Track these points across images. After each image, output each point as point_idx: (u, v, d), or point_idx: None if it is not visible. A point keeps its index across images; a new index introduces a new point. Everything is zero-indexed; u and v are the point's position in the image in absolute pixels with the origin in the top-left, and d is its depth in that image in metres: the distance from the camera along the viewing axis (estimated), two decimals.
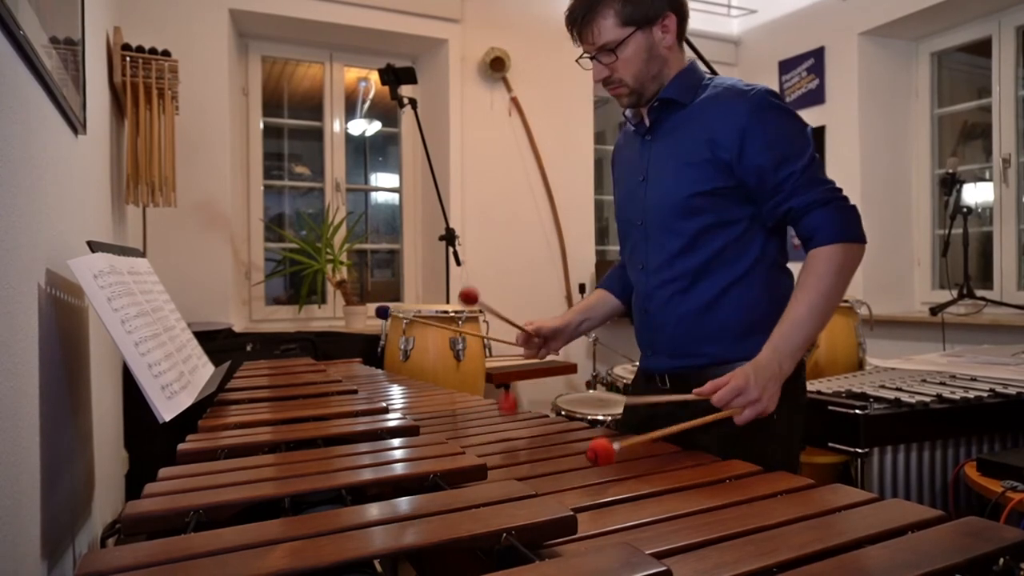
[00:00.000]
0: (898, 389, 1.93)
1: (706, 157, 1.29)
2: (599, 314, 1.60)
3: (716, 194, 1.30)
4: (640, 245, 1.42)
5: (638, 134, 1.45)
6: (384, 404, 1.34)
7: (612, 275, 1.64)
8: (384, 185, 4.22)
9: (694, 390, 1.14)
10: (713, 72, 2.09)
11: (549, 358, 3.81)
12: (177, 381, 1.23)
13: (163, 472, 0.91)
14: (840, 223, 1.22)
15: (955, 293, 3.41)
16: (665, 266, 1.37)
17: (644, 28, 1.30)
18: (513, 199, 3.94)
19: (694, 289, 1.34)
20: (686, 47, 1.96)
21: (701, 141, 1.30)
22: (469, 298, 1.41)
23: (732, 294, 1.33)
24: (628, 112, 1.46)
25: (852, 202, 1.26)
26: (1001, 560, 0.64)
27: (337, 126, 3.87)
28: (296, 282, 3.75)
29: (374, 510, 0.73)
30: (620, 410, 2.61)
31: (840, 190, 1.26)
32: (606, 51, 1.31)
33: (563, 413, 2.62)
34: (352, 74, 3.96)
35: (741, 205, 1.31)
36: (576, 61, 1.39)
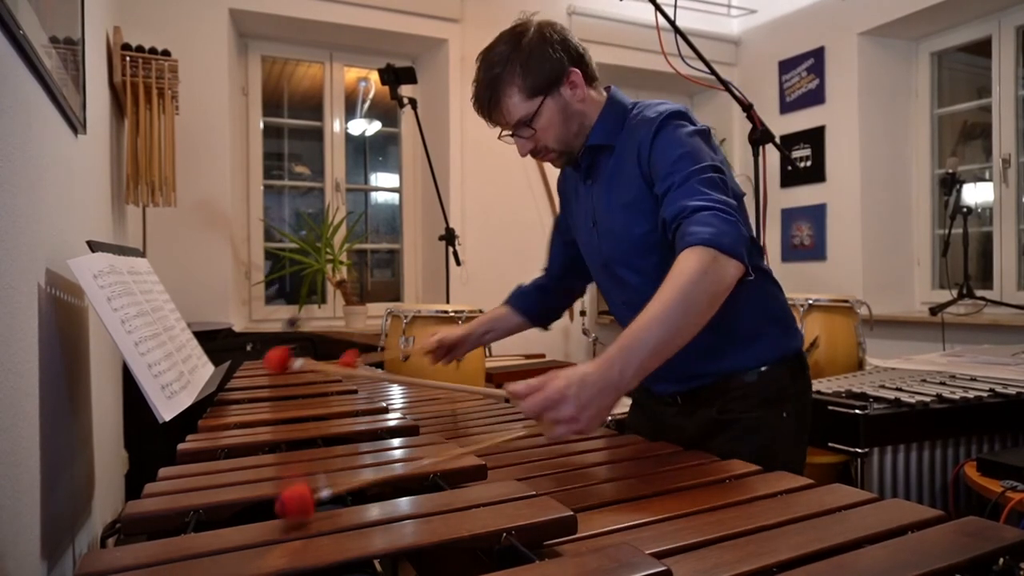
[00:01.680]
0: (898, 389, 1.93)
1: (641, 193, 1.25)
2: (503, 327, 1.63)
3: (662, 227, 1.22)
4: (611, 285, 1.40)
5: (581, 179, 1.41)
6: (384, 404, 1.34)
7: (520, 293, 1.64)
8: (384, 185, 4.23)
9: (506, 386, 0.96)
10: (714, 73, 2.09)
11: (549, 358, 3.82)
12: (177, 381, 1.23)
13: (163, 472, 0.91)
14: (710, 228, 1.07)
15: (955, 293, 3.42)
16: (637, 303, 1.24)
17: (552, 93, 1.26)
18: (513, 199, 3.94)
19: None
20: (686, 47, 1.97)
21: (632, 177, 1.26)
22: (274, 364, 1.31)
23: (718, 311, 1.21)
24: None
25: (737, 222, 1.11)
26: (1001, 560, 0.64)
27: (337, 126, 3.87)
28: (296, 282, 3.75)
29: (374, 510, 0.73)
30: (620, 410, 2.61)
31: (722, 201, 1.12)
32: (522, 126, 1.28)
33: None
34: (352, 74, 3.97)
35: None
36: (499, 139, 1.37)
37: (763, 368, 1.30)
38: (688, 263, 1.04)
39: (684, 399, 1.36)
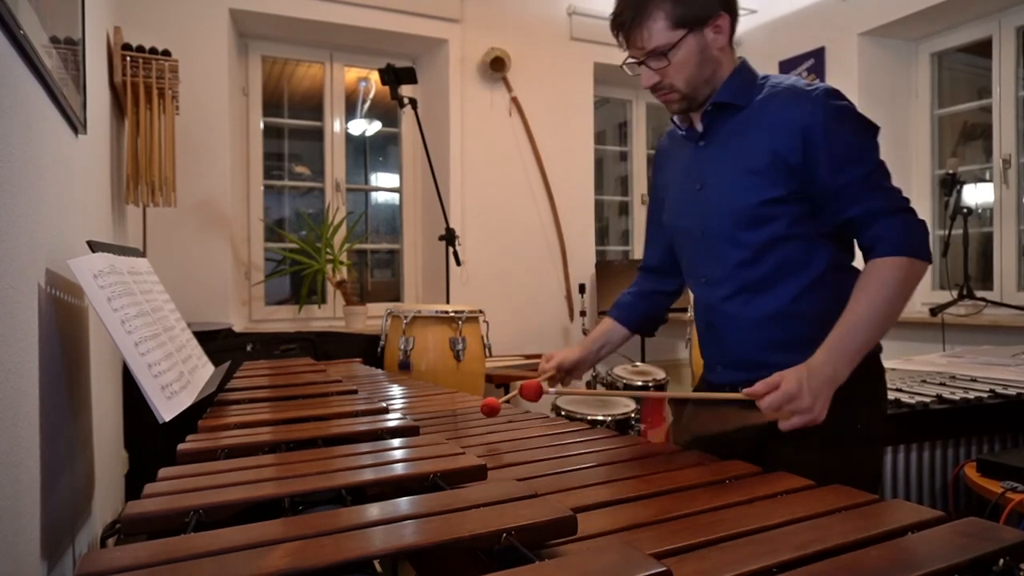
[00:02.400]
0: (898, 390, 1.93)
1: (769, 162, 1.22)
2: (614, 340, 1.58)
3: (784, 200, 1.23)
4: (700, 257, 1.36)
5: (689, 140, 1.38)
6: (384, 404, 1.34)
7: (622, 304, 1.59)
8: (384, 185, 4.23)
9: (743, 390, 1.09)
10: None
11: None
12: (177, 381, 1.23)
13: (163, 472, 0.91)
14: (905, 235, 1.15)
15: (955, 294, 3.42)
16: (729, 278, 1.30)
17: (696, 30, 1.23)
18: (513, 199, 3.94)
19: (762, 299, 1.28)
20: None
21: (763, 145, 1.23)
22: (491, 411, 1.40)
23: (802, 303, 1.26)
24: (676, 117, 1.38)
25: (921, 216, 1.19)
26: (1001, 561, 0.64)
27: (337, 126, 3.87)
28: (296, 282, 3.75)
29: (374, 510, 0.73)
30: (620, 410, 2.62)
31: (907, 200, 1.19)
32: (656, 55, 1.24)
33: (563, 413, 2.62)
34: (352, 74, 3.97)
35: (807, 211, 1.25)
36: (621, 66, 1.32)
37: None
38: (896, 271, 1.14)
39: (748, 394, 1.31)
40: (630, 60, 1.29)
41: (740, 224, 1.27)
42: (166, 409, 1.11)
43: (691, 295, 1.47)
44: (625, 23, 1.25)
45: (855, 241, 1.24)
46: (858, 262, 1.28)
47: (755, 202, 1.25)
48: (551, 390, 1.29)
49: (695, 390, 1.52)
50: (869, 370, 1.26)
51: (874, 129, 1.24)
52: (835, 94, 1.23)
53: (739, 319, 1.31)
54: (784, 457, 1.07)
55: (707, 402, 1.44)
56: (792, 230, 1.25)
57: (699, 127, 1.35)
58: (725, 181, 1.29)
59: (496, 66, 3.83)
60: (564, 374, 1.50)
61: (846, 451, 1.22)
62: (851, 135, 1.21)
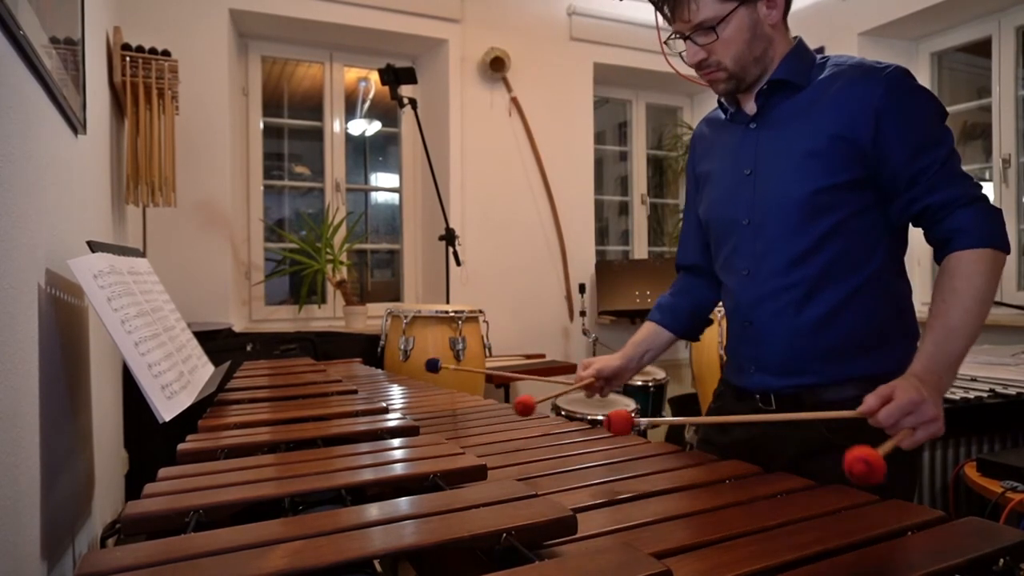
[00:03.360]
0: None
1: (835, 144, 1.13)
2: (658, 345, 1.45)
3: (847, 188, 1.14)
4: (745, 248, 1.24)
5: (737, 122, 1.28)
6: (384, 404, 1.34)
7: (663, 306, 1.47)
8: (384, 185, 4.23)
9: (859, 408, 0.94)
10: None
11: (549, 358, 3.81)
12: (177, 381, 1.23)
13: (163, 472, 0.91)
14: (988, 226, 1.07)
15: None
16: (779, 272, 1.19)
17: (748, 3, 1.14)
18: (513, 199, 3.94)
19: (813, 299, 1.17)
20: None
21: (827, 126, 1.14)
22: (526, 411, 1.28)
23: (855, 304, 1.17)
24: (723, 98, 1.29)
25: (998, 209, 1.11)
26: (1001, 560, 0.64)
27: (337, 126, 3.87)
28: (296, 282, 3.75)
29: (374, 510, 0.73)
30: (638, 419, 2.60)
31: (981, 188, 1.11)
32: (704, 30, 1.15)
33: (563, 413, 2.62)
34: (352, 74, 3.96)
35: (870, 201, 1.16)
36: (664, 43, 1.24)
37: (879, 381, 1.10)
38: (982, 265, 1.06)
39: (780, 402, 1.22)
40: (675, 35, 1.20)
41: (798, 213, 1.16)
42: (166, 409, 1.11)
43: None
44: None
45: (926, 234, 1.14)
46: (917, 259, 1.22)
47: (814, 188, 1.15)
48: (642, 421, 1.16)
49: (716, 392, 1.41)
50: None
51: (946, 114, 1.16)
52: (908, 74, 1.14)
53: (784, 319, 1.20)
54: (826, 471, 0.95)
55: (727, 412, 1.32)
56: (851, 223, 1.16)
57: (749, 108, 1.26)
58: (781, 165, 1.19)
59: (496, 66, 3.83)
60: (604, 382, 1.39)
61: (894, 472, 1.07)
62: (928, 118, 1.13)
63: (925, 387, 0.94)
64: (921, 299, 3.88)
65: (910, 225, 1.19)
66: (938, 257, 1.12)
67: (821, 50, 4.06)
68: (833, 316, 1.17)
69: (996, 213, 1.10)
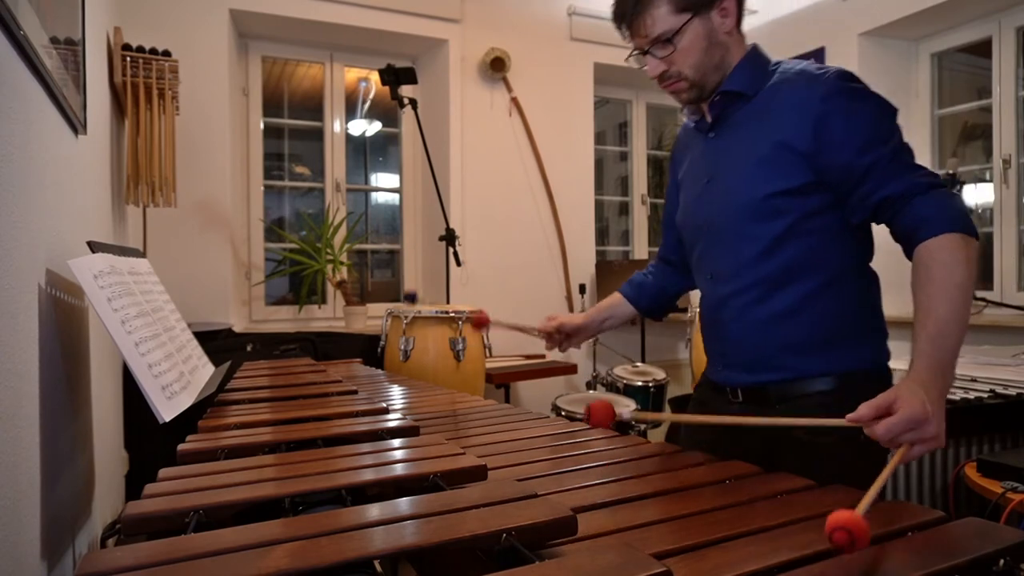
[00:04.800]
0: None
1: (779, 151, 1.17)
2: (620, 314, 1.57)
3: (796, 193, 1.17)
4: (708, 252, 1.31)
5: (700, 131, 1.33)
6: (384, 404, 1.34)
7: (634, 282, 1.58)
8: (384, 185, 4.23)
9: (850, 416, 0.92)
10: None
11: (550, 358, 3.81)
12: (177, 381, 1.23)
13: (163, 472, 0.91)
14: (952, 211, 1.06)
15: None
16: (738, 274, 1.25)
17: (702, 13, 1.18)
18: (513, 199, 3.94)
19: (771, 299, 1.22)
20: None
21: (772, 133, 1.18)
22: (480, 323, 1.43)
23: (818, 301, 1.20)
24: (687, 109, 1.34)
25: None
26: (1001, 561, 0.64)
27: (337, 126, 3.87)
28: (296, 282, 3.75)
29: (374, 510, 0.73)
30: (619, 410, 2.61)
31: (937, 176, 1.11)
32: (661, 42, 1.19)
33: (563, 413, 2.62)
34: (352, 74, 3.97)
35: (825, 204, 1.18)
36: (627, 59, 1.28)
37: (841, 377, 1.20)
38: (955, 252, 1.03)
39: (746, 396, 1.27)
40: (635, 52, 1.25)
41: (749, 217, 1.21)
42: (166, 409, 1.11)
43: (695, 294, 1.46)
44: (627, 12, 1.22)
45: (891, 229, 1.14)
46: (886, 260, 1.23)
47: (763, 194, 1.18)
48: (623, 413, 1.21)
49: (696, 388, 1.47)
50: (877, 390, 1.12)
51: (893, 110, 1.18)
52: (849, 76, 1.18)
53: (746, 317, 1.25)
54: (790, 469, 0.98)
55: (702, 403, 1.38)
56: (805, 225, 1.19)
57: (708, 117, 1.30)
58: (734, 173, 1.24)
59: (496, 66, 3.83)
60: (564, 337, 1.52)
61: (850, 463, 1.08)
62: (872, 114, 1.15)
63: (930, 396, 0.91)
64: None
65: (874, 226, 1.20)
66: (907, 251, 1.11)
67: (824, 52, 4.06)
68: (791, 315, 1.21)
69: (957, 199, 1.09)
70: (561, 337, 1.52)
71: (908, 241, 1.10)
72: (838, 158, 1.13)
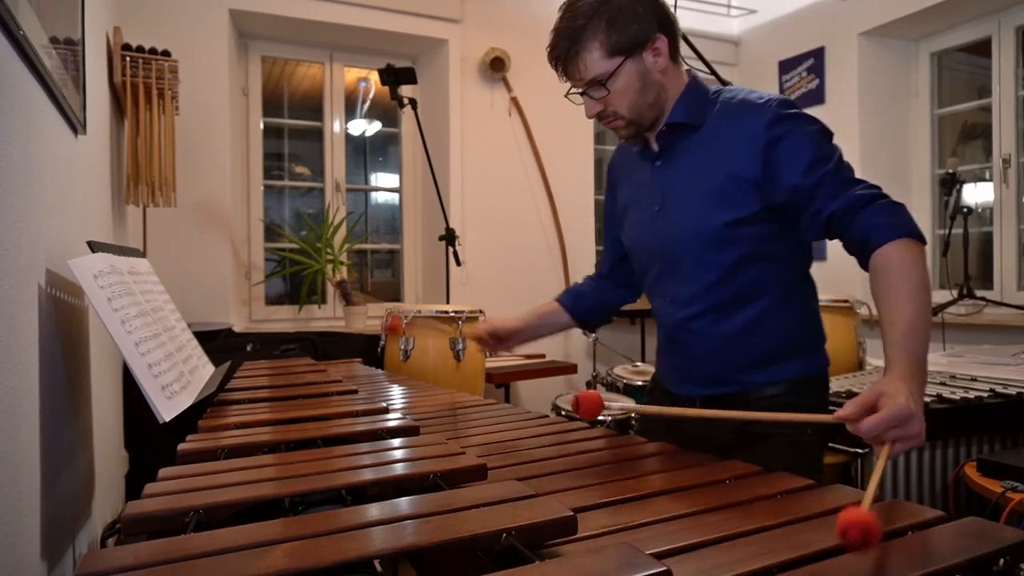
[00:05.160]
0: None
1: (732, 182, 1.21)
2: (556, 323, 1.58)
3: (750, 221, 1.22)
4: (665, 276, 1.34)
5: (645, 159, 1.36)
6: (384, 404, 1.34)
7: (572, 292, 1.60)
8: (384, 185, 4.23)
9: (837, 414, 0.92)
10: (714, 73, 2.09)
11: (549, 358, 3.81)
12: (177, 381, 1.23)
13: (163, 472, 0.91)
14: (899, 217, 1.11)
15: (955, 293, 3.42)
16: (697, 298, 1.29)
17: (634, 55, 1.21)
18: (513, 199, 3.94)
19: (729, 318, 1.27)
20: (686, 47, 1.98)
21: (724, 165, 1.22)
22: (394, 328, 1.42)
23: (769, 319, 1.26)
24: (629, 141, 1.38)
25: (917, 216, 1.16)
26: (1001, 561, 0.64)
27: (337, 126, 3.87)
28: (296, 282, 3.75)
29: (374, 510, 0.73)
30: (619, 410, 2.61)
31: (879, 188, 1.16)
32: (596, 85, 1.23)
33: (563, 413, 2.62)
34: (352, 74, 3.97)
35: (776, 228, 1.24)
36: (566, 96, 1.31)
37: (788, 383, 1.28)
38: (908, 256, 1.07)
39: (705, 405, 1.32)
40: (571, 91, 1.28)
41: (705, 247, 1.25)
42: (166, 409, 1.11)
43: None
44: (561, 56, 1.24)
45: (842, 242, 1.18)
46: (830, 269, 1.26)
47: (720, 223, 1.23)
48: (613, 406, 1.21)
49: (649, 392, 1.52)
50: (817, 392, 1.33)
51: (831, 132, 1.23)
52: (787, 103, 1.22)
53: (706, 338, 1.30)
54: (754, 457, 1.04)
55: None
56: (759, 249, 1.24)
57: (654, 146, 1.32)
58: (686, 203, 1.28)
59: (496, 66, 3.83)
60: (496, 341, 1.51)
61: (801, 453, 1.24)
62: (814, 137, 1.20)
63: (913, 395, 0.92)
64: None
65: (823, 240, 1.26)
66: (862, 261, 1.14)
67: (824, 52, 4.05)
68: (748, 333, 1.27)
69: (901, 206, 1.13)
70: (494, 341, 1.51)
71: (862, 251, 1.14)
72: (786, 181, 1.18)
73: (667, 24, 1.24)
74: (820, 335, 1.35)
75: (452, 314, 2.69)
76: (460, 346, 2.68)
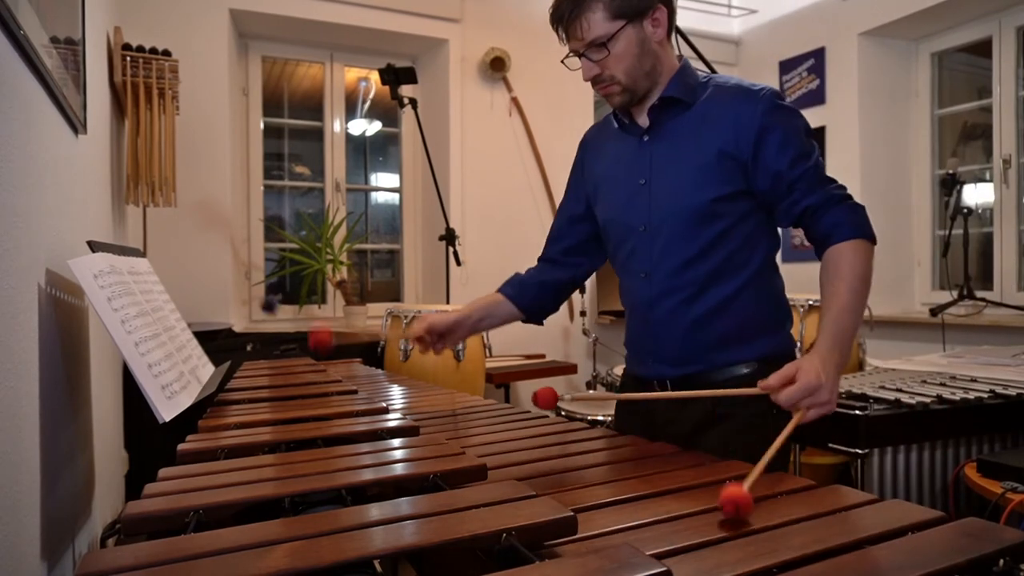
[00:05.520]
0: (898, 390, 1.93)
1: (721, 160, 1.26)
2: (498, 314, 1.53)
3: (732, 198, 1.28)
4: (642, 252, 1.36)
5: (631, 133, 1.39)
6: (384, 404, 1.34)
7: (513, 281, 1.56)
8: (384, 185, 4.23)
9: (760, 384, 1.07)
10: (712, 70, 2.09)
11: (550, 358, 3.81)
12: (177, 381, 1.23)
13: (163, 472, 0.91)
14: (858, 220, 1.23)
15: (955, 294, 3.41)
16: (673, 274, 1.32)
17: (635, 21, 1.26)
18: (513, 199, 3.94)
19: (703, 296, 1.31)
20: (686, 47, 1.98)
21: (715, 143, 1.27)
22: (320, 343, 1.46)
23: (739, 299, 1.31)
24: (617, 111, 1.40)
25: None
26: (1001, 561, 0.64)
27: (337, 126, 3.87)
28: (296, 282, 3.75)
29: (374, 510, 0.73)
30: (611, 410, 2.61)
31: (846, 188, 1.28)
32: (596, 47, 1.26)
33: (563, 413, 2.62)
34: (352, 74, 3.97)
35: (751, 208, 1.30)
36: (562, 62, 1.35)
37: (755, 363, 1.32)
38: (860, 255, 1.21)
39: (675, 386, 1.35)
40: (571, 54, 1.32)
41: (691, 221, 1.30)
42: (166, 409, 1.11)
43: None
44: (564, 15, 1.27)
45: (807, 233, 1.29)
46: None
47: (706, 199, 1.28)
48: (565, 396, 1.23)
49: (621, 385, 1.56)
50: (783, 363, 1.29)
51: (811, 129, 1.32)
52: (780, 95, 1.29)
53: (678, 315, 1.33)
54: (712, 443, 1.18)
55: (629, 402, 1.48)
56: (736, 229, 1.30)
57: (642, 121, 1.36)
58: (674, 178, 1.31)
59: (496, 66, 3.83)
60: (435, 338, 1.45)
61: (765, 433, 1.25)
62: (801, 132, 1.28)
63: (826, 368, 1.07)
64: (921, 299, 3.88)
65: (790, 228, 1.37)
66: (819, 252, 1.26)
67: (824, 52, 4.06)
68: (720, 311, 1.31)
69: (862, 209, 1.26)
70: (433, 339, 1.45)
71: (822, 244, 1.25)
72: (772, 168, 1.25)
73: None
74: (787, 316, 1.40)
75: None
76: (460, 346, 2.68)
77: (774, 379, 1.06)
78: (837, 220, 1.22)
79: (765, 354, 1.32)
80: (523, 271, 1.61)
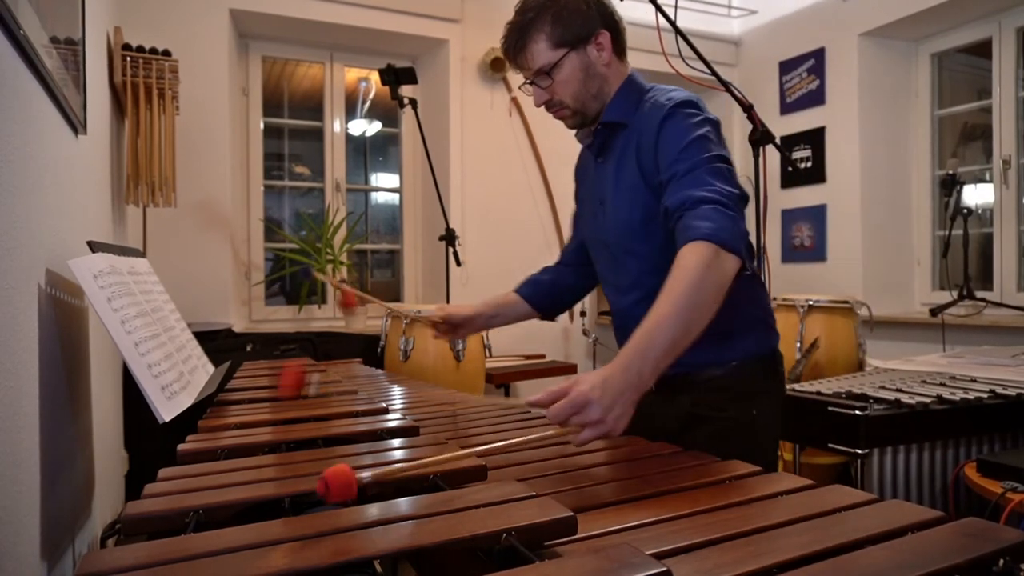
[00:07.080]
0: (898, 390, 1.93)
1: (641, 177, 1.29)
2: (512, 313, 1.63)
3: (658, 216, 1.26)
4: (609, 266, 1.43)
5: (592, 155, 1.44)
6: (384, 404, 1.34)
7: (531, 281, 1.65)
8: (384, 185, 4.23)
9: (526, 400, 1.02)
10: (714, 74, 2.09)
11: (550, 358, 3.81)
12: (177, 381, 1.23)
13: (163, 472, 0.91)
14: (711, 223, 1.10)
15: (955, 294, 3.42)
16: (634, 286, 1.37)
17: (577, 48, 1.30)
18: (513, 199, 3.94)
19: None
20: (686, 47, 1.98)
21: (634, 161, 1.30)
22: (347, 303, 1.47)
23: None
24: (579, 133, 1.45)
25: (736, 217, 1.14)
26: (1001, 561, 0.64)
27: (337, 126, 3.87)
28: (296, 282, 3.75)
29: (374, 510, 0.73)
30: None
31: (732, 199, 1.15)
32: (541, 75, 1.31)
33: None
34: (352, 74, 3.97)
35: None
36: (519, 88, 1.40)
37: (733, 364, 1.33)
38: (692, 258, 1.07)
39: (657, 386, 1.31)
40: (524, 82, 1.37)
41: (634, 237, 1.33)
42: (166, 409, 1.11)
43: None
44: (511, 47, 1.33)
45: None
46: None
47: (641, 216, 1.30)
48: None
49: None
50: (765, 371, 1.37)
51: (718, 130, 1.24)
52: (687, 103, 1.25)
53: None
54: (698, 443, 1.11)
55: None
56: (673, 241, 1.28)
57: (595, 144, 1.41)
58: (618, 197, 1.35)
59: (496, 66, 3.83)
60: (450, 327, 1.56)
61: (751, 436, 1.29)
62: (688, 132, 1.21)
63: (607, 385, 0.96)
64: (921, 299, 3.88)
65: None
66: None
67: (824, 52, 4.05)
68: None
69: (730, 217, 1.11)
70: (447, 328, 1.56)
71: (678, 249, 1.16)
72: (661, 174, 1.23)
73: (611, 21, 1.33)
74: (763, 318, 1.39)
75: None
76: (460, 346, 2.68)
77: (545, 394, 0.98)
78: (688, 223, 1.11)
79: (741, 356, 1.34)
80: (527, 273, 1.69)
